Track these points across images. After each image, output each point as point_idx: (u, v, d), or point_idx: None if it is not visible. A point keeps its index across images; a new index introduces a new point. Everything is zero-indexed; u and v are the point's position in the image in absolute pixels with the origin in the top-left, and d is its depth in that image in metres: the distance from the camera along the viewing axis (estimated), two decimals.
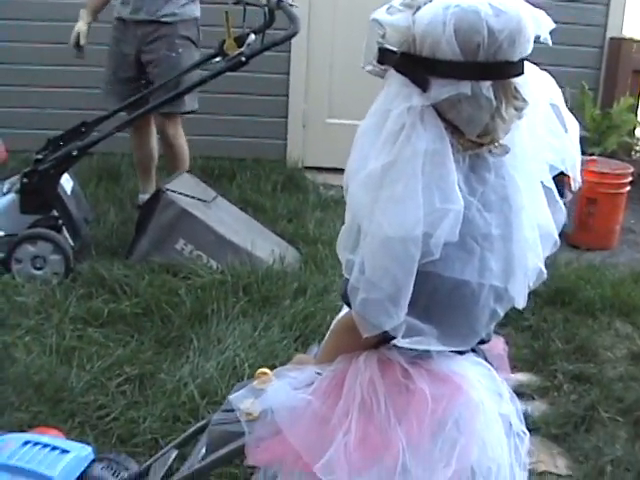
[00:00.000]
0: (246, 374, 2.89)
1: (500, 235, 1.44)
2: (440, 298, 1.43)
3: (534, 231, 1.50)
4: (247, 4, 3.90)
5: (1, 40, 5.62)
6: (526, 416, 2.83)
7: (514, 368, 3.35)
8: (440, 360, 1.51)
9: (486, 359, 1.65)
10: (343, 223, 1.48)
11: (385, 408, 1.47)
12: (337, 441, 1.47)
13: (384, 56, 1.41)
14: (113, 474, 2.22)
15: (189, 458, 2.07)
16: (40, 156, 3.86)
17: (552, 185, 1.53)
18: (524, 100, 1.42)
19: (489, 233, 1.43)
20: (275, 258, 3.94)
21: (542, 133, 1.50)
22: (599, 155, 5.21)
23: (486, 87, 1.36)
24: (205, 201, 4.13)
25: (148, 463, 2.27)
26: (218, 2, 4.08)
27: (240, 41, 3.97)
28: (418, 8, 1.39)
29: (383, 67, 1.42)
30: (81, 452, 2.20)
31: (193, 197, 4.06)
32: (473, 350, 1.62)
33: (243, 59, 3.82)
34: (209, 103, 4.95)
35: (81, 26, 4.26)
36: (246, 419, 1.61)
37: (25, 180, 3.81)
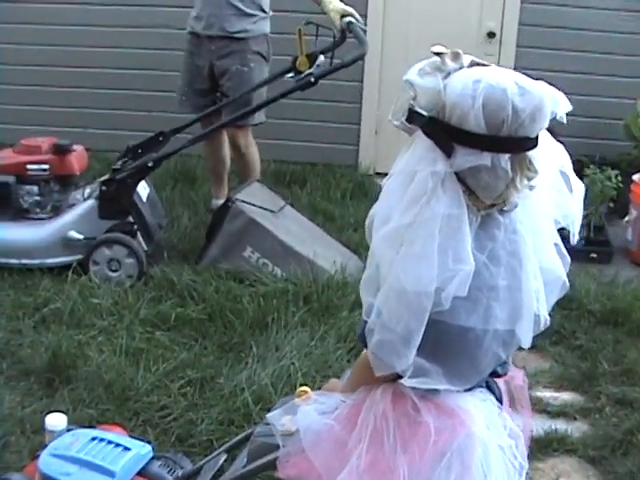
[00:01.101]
0: (298, 383, 3.06)
1: (507, 286, 1.57)
2: (446, 342, 1.57)
3: (538, 281, 1.62)
4: (318, 25, 4.05)
5: (79, 45, 5.93)
6: (565, 436, 2.98)
7: (560, 387, 3.47)
8: (447, 396, 1.64)
9: (499, 392, 1.78)
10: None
11: (393, 437, 1.62)
12: (350, 464, 1.62)
13: (413, 117, 1.52)
14: (169, 472, 2.39)
15: (234, 463, 2.28)
16: (118, 166, 4.12)
17: (557, 236, 1.67)
18: (536, 171, 1.54)
19: (495, 285, 1.56)
20: (337, 268, 4.11)
21: (550, 192, 1.63)
22: None
23: (505, 159, 1.48)
24: (273, 211, 4.32)
25: (200, 464, 2.44)
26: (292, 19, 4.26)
27: (312, 58, 4.15)
28: (449, 73, 1.51)
29: (410, 126, 1.54)
30: (141, 450, 2.37)
31: (261, 207, 4.26)
32: (488, 384, 1.76)
33: (312, 80, 3.97)
34: (284, 109, 5.12)
35: None
36: (282, 434, 1.80)
37: (104, 188, 4.08)
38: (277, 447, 1.81)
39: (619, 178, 4.94)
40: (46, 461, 2.26)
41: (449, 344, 1.57)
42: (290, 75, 4.25)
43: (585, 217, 4.86)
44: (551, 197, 1.63)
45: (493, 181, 1.50)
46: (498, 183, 1.51)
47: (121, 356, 3.35)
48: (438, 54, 1.53)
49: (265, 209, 4.27)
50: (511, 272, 1.58)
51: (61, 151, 4.22)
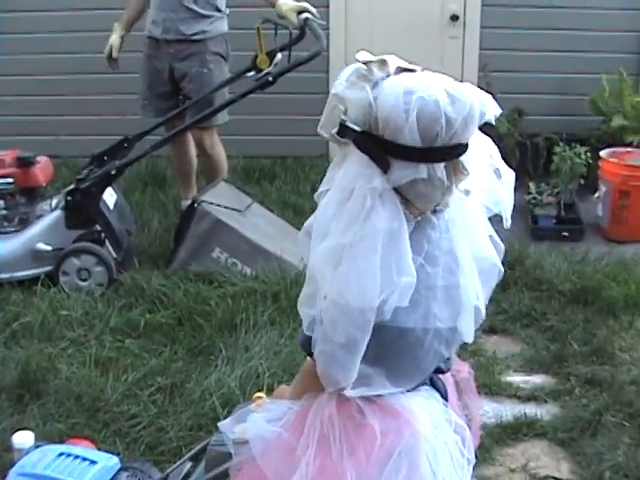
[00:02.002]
0: (265, 384, 3.08)
1: (445, 285, 1.59)
2: (387, 345, 1.58)
3: (474, 275, 1.64)
4: (276, 23, 4.05)
5: (41, 52, 5.90)
6: (535, 420, 3.00)
7: (531, 370, 3.49)
8: (391, 397, 1.65)
9: (444, 389, 1.80)
10: None
11: (340, 442, 1.63)
12: (300, 470, 1.63)
13: (345, 131, 1.51)
14: None
15: (194, 472, 2.29)
16: (83, 175, 4.11)
17: (488, 224, 1.70)
18: (468, 172, 1.56)
19: (434, 285, 1.57)
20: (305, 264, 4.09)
21: (481, 183, 1.65)
22: (638, 144, 5.19)
23: (440, 169, 1.50)
24: (239, 210, 4.33)
25: (166, 473, 2.46)
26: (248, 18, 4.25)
27: (272, 55, 4.15)
28: (377, 83, 1.50)
29: (343, 140, 1.53)
30: (108, 462, 2.39)
31: (227, 207, 4.26)
32: (432, 381, 1.78)
33: (270, 79, 3.97)
34: (252, 104, 5.07)
35: (114, 39, 4.52)
36: (235, 442, 1.79)
37: (69, 198, 4.08)
38: (231, 456, 1.81)
39: (588, 154, 4.94)
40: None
41: (390, 346, 1.58)
42: (251, 74, 4.26)
43: (556, 195, 4.89)
44: (481, 186, 1.65)
45: (430, 191, 1.52)
46: (435, 192, 1.53)
47: (91, 367, 3.36)
48: (365, 63, 1.52)
49: (231, 209, 4.27)
50: (448, 271, 1.59)
51: (25, 163, 4.21)
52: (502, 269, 1.73)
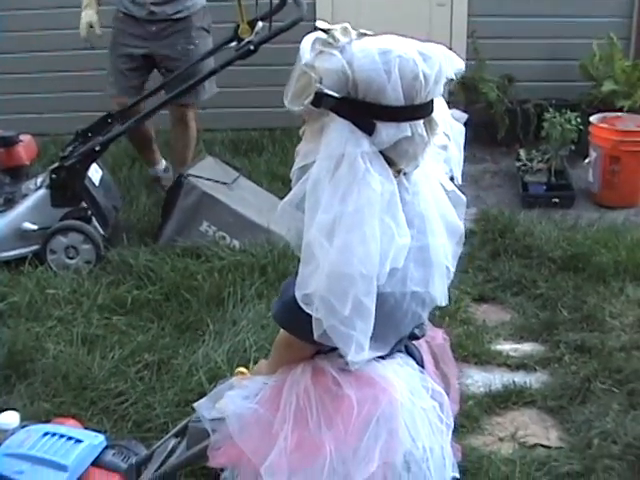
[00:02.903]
0: (252, 358, 3.06)
1: (418, 247, 1.57)
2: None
3: (443, 234, 1.64)
4: None
5: (26, 29, 5.82)
6: (524, 389, 3.00)
7: (520, 338, 3.48)
8: (366, 365, 1.62)
9: (420, 355, 1.80)
10: None
11: (317, 414, 1.62)
12: (278, 445, 1.62)
13: (322, 100, 1.47)
14: (123, 459, 2.43)
15: (178, 449, 2.29)
16: (67, 152, 4.07)
17: (449, 181, 1.70)
18: (444, 131, 1.61)
19: (410, 247, 1.54)
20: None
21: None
22: (629, 109, 5.15)
23: (420, 126, 1.51)
24: (226, 183, 4.29)
25: (152, 449, 2.46)
26: None
27: (253, 25, 4.09)
28: (343, 48, 1.47)
29: (319, 110, 1.49)
30: (94, 441, 2.40)
31: (214, 180, 4.23)
32: (407, 349, 1.78)
33: (252, 47, 3.92)
34: (237, 76, 5.06)
35: (92, 15, 4.42)
36: (215, 419, 1.79)
37: (53, 176, 4.04)
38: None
39: (579, 120, 4.90)
40: None
41: (375, 312, 1.54)
42: (233, 44, 4.20)
43: (546, 162, 4.86)
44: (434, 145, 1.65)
45: (414, 149, 1.52)
46: (417, 149, 1.53)
47: (78, 345, 3.34)
48: (326, 30, 1.49)
49: (218, 182, 4.24)
50: (421, 233, 1.59)
51: (7, 143, 4.18)
52: (462, 227, 1.71)
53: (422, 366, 1.78)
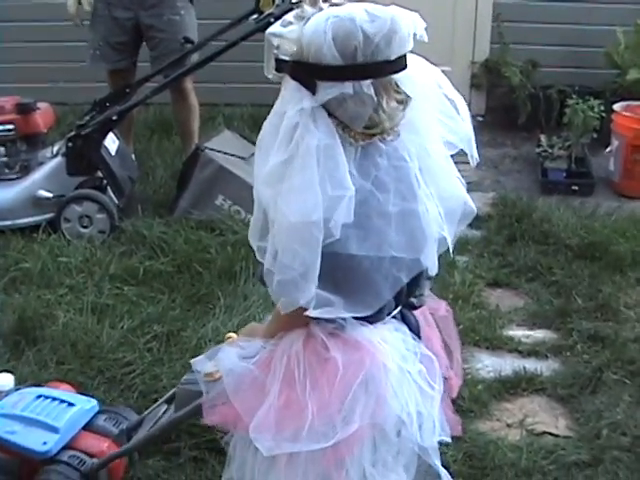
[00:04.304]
0: None
1: (399, 212, 1.61)
2: (342, 273, 1.60)
3: (434, 204, 1.67)
4: None
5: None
6: (535, 376, 2.97)
7: (533, 325, 3.44)
8: (355, 330, 1.67)
9: (416, 323, 1.81)
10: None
11: (304, 376, 1.66)
12: (265, 404, 1.67)
13: (280, 65, 1.58)
14: (114, 424, 2.49)
15: (167, 411, 2.36)
16: (84, 121, 4.05)
17: (451, 161, 1.72)
18: (406, 94, 1.61)
19: (385, 211, 1.59)
20: None
21: (436, 116, 1.68)
22: None
23: (367, 85, 1.54)
24: (243, 157, 4.26)
25: (142, 416, 2.52)
26: None
27: None
28: (308, 19, 1.56)
29: (281, 75, 1.59)
30: (86, 405, 2.48)
31: (231, 154, 4.20)
32: (403, 316, 1.78)
33: (272, 20, 3.86)
34: (258, 51, 5.00)
35: None
36: (207, 380, 1.85)
37: (70, 144, 4.02)
38: (201, 394, 1.86)
39: (602, 108, 4.83)
40: None
41: (345, 274, 1.61)
42: (254, 17, 4.16)
43: (567, 148, 4.80)
44: (440, 121, 1.68)
45: (360, 108, 1.55)
46: (365, 109, 1.56)
47: (87, 314, 3.34)
48: (297, 2, 1.62)
49: (235, 156, 4.22)
50: (401, 198, 1.62)
51: (25, 110, 4.15)
52: (473, 207, 1.77)
53: (418, 334, 1.79)
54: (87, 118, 4.12)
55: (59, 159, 4.11)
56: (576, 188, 4.69)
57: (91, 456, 2.34)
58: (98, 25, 4.44)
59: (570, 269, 3.79)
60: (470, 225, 4.54)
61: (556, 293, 3.63)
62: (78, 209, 4.03)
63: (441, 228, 1.68)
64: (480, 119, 5.88)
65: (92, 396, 2.56)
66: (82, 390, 2.71)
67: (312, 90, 1.53)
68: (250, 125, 5.41)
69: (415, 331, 1.78)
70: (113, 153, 4.20)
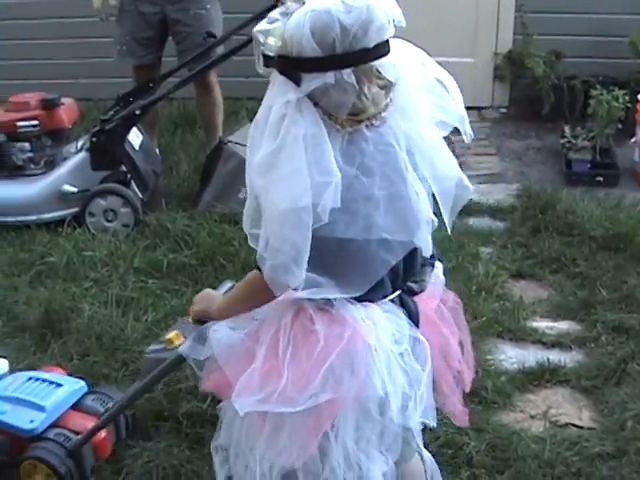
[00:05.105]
0: None
1: (386, 195, 1.66)
2: (330, 255, 1.67)
3: (426, 187, 1.72)
4: None
5: None
6: (559, 367, 2.95)
7: (557, 316, 3.43)
8: (342, 307, 1.72)
9: (415, 309, 1.83)
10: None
11: (286, 347, 1.72)
12: (248, 371, 1.74)
13: (267, 61, 1.63)
14: (102, 404, 2.58)
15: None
16: (107, 116, 4.08)
17: (443, 142, 1.77)
18: (388, 79, 1.65)
19: (371, 195, 1.65)
20: None
21: (426, 97, 1.72)
22: None
23: (347, 74, 1.59)
24: None
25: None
26: None
27: None
28: (291, 15, 1.59)
29: (269, 70, 1.65)
30: (74, 386, 2.61)
31: None
32: (403, 300, 1.81)
33: None
34: None
35: None
36: (168, 347, 2.13)
37: (94, 139, 4.06)
38: (164, 360, 2.11)
39: (627, 98, 4.79)
40: None
41: (334, 256, 1.67)
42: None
43: (591, 139, 4.76)
44: (430, 101, 1.72)
45: (342, 96, 1.61)
46: (347, 97, 1.61)
47: (112, 307, 3.37)
48: (282, 1, 1.63)
49: None
50: (387, 181, 1.67)
51: (50, 106, 4.20)
52: (469, 185, 1.82)
53: (415, 319, 1.82)
54: (111, 113, 4.15)
55: (83, 154, 4.15)
56: (601, 179, 4.65)
57: (77, 434, 2.45)
58: (125, 20, 4.48)
59: (594, 260, 3.76)
60: (494, 216, 4.55)
61: (580, 284, 3.61)
62: (103, 203, 4.07)
63: (432, 211, 1.73)
64: (503, 111, 5.85)
65: (82, 378, 2.66)
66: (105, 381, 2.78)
67: (297, 82, 1.59)
68: None
69: (414, 317, 1.81)
70: (137, 147, 4.23)
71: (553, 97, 5.40)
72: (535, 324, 3.36)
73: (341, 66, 1.58)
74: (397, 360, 1.74)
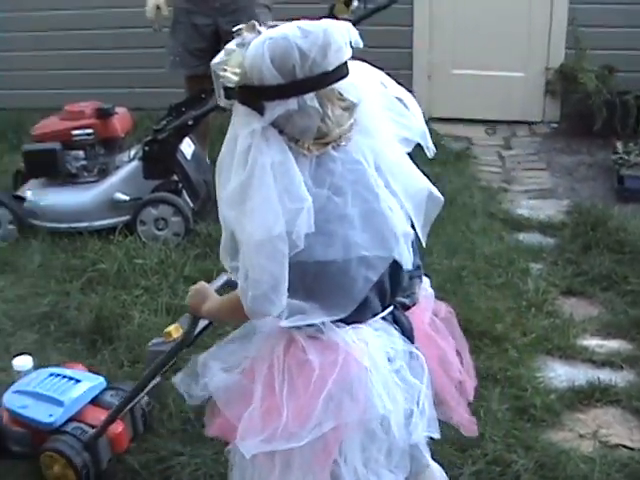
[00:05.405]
0: None
1: (360, 212, 1.66)
2: (312, 279, 1.67)
3: (398, 200, 1.71)
4: None
5: (118, 6, 5.93)
6: (609, 387, 2.91)
7: (607, 335, 3.38)
8: (332, 332, 1.72)
9: (408, 324, 1.84)
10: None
11: (282, 381, 1.73)
12: (248, 411, 1.74)
13: (228, 93, 1.64)
14: (120, 400, 2.59)
15: None
16: (159, 126, 4.14)
17: (407, 157, 1.77)
18: (351, 101, 1.65)
19: (345, 213, 1.65)
20: None
21: (387, 115, 1.73)
22: None
23: (310, 98, 1.60)
24: None
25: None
26: None
27: (349, 3, 4.08)
28: (249, 45, 1.62)
29: (231, 102, 1.65)
30: (93, 382, 2.71)
31: None
32: (395, 316, 1.82)
33: None
34: None
35: None
36: (166, 340, 2.30)
37: (146, 149, 4.12)
38: (163, 352, 2.25)
39: None
40: (8, 397, 2.66)
41: (315, 280, 1.67)
42: None
43: None
44: (392, 119, 1.73)
45: (307, 121, 1.62)
46: (312, 121, 1.62)
47: (162, 315, 3.41)
48: (237, 31, 1.67)
49: None
50: (360, 198, 1.66)
51: (104, 115, 4.27)
52: (439, 195, 1.80)
53: (409, 334, 1.83)
54: (163, 123, 4.21)
55: (136, 163, 4.21)
56: None
57: (94, 428, 2.54)
58: (178, 32, 4.53)
59: None
60: (544, 232, 4.51)
61: (631, 303, 3.55)
62: (154, 212, 4.12)
63: (405, 223, 1.72)
64: (555, 126, 5.81)
65: (101, 374, 2.76)
66: None
67: (260, 111, 1.60)
68: None
69: (407, 332, 1.82)
70: (189, 157, 4.28)
71: (605, 112, 5.35)
72: (585, 342, 3.31)
73: (303, 91, 1.59)
74: (393, 378, 1.75)
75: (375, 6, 3.88)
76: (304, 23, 1.61)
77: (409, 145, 1.77)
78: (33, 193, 4.26)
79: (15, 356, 2.83)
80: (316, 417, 1.67)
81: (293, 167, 1.60)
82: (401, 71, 5.92)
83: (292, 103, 1.59)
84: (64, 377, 2.68)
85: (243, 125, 1.61)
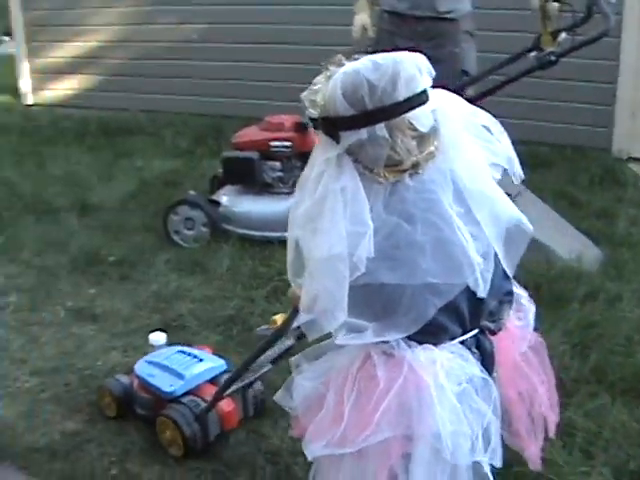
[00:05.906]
0: None
1: (432, 239, 1.70)
2: (378, 301, 1.73)
3: (477, 230, 1.72)
4: (561, 2, 3.85)
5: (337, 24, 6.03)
6: None
7: None
8: (403, 349, 1.77)
9: (490, 348, 1.87)
10: None
11: (351, 392, 1.80)
12: (318, 418, 1.85)
13: (314, 124, 1.75)
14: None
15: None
16: None
17: (495, 183, 1.81)
18: (418, 130, 1.70)
19: (414, 240, 1.69)
20: (572, 256, 3.94)
21: (471, 140, 1.77)
22: None
23: (380, 128, 1.67)
24: (509, 195, 4.19)
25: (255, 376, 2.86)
26: None
27: (556, 35, 3.97)
28: (332, 76, 1.73)
29: (318, 131, 1.76)
30: (215, 363, 2.98)
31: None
32: (479, 341, 1.84)
33: (552, 58, 3.77)
34: (534, 88, 4.97)
35: (365, 19, 4.38)
36: (270, 327, 2.58)
37: None
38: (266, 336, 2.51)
39: None
40: (140, 365, 3.00)
41: (381, 301, 1.72)
42: (533, 54, 4.09)
43: None
44: (477, 144, 1.77)
45: (377, 149, 1.69)
46: (381, 150, 1.69)
47: None
48: (326, 64, 1.75)
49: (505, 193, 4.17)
50: (432, 227, 1.70)
51: (303, 128, 4.36)
52: (530, 226, 1.82)
53: (489, 358, 1.85)
54: None
55: None
56: None
57: None
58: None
59: None
60: None
61: None
62: None
63: (489, 250, 1.73)
64: None
65: (226, 359, 3.00)
66: None
67: (337, 140, 1.70)
68: (520, 162, 5.34)
69: (487, 357, 1.85)
70: None
71: None
72: None
73: (374, 121, 1.67)
74: (459, 401, 1.76)
75: (585, 39, 3.74)
76: (378, 56, 1.71)
77: (497, 170, 1.81)
78: (229, 199, 4.42)
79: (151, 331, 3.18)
80: (372, 427, 1.73)
81: (361, 194, 1.69)
82: (599, 106, 5.73)
83: (362, 133, 1.68)
84: (189, 355, 2.97)
85: (322, 152, 1.73)
